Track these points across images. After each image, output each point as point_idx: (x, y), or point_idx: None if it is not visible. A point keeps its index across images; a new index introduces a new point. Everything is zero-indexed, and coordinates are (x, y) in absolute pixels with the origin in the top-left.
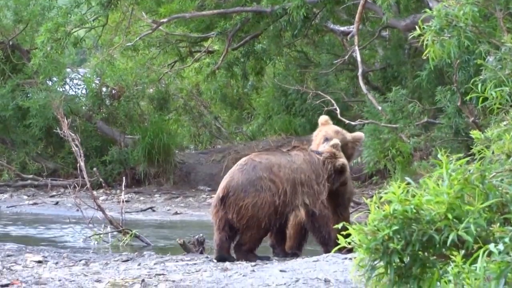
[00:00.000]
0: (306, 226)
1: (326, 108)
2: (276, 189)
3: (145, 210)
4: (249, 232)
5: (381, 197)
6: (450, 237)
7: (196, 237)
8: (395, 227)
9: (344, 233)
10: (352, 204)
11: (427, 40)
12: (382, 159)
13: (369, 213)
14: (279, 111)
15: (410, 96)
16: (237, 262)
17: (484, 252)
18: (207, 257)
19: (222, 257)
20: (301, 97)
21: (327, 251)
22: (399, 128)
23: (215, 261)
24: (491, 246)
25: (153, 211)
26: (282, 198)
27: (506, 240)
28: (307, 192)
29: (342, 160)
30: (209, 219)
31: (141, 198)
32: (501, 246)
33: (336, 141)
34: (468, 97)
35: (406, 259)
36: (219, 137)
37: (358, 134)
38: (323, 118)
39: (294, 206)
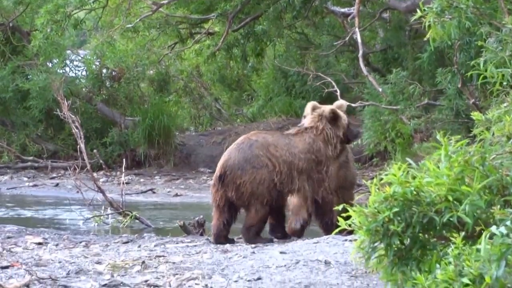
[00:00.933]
0: (309, 210)
1: (326, 90)
2: (272, 167)
3: (145, 192)
4: (253, 209)
5: (381, 179)
6: (447, 218)
7: (196, 218)
8: (395, 209)
9: (344, 215)
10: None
11: (428, 21)
12: (382, 140)
13: (370, 195)
14: (279, 93)
15: (411, 78)
16: (237, 244)
17: (486, 234)
18: (207, 239)
19: (220, 243)
20: (301, 79)
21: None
22: (400, 110)
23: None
24: (493, 228)
25: (153, 193)
26: (279, 177)
27: (508, 223)
28: (306, 180)
29: (328, 107)
30: (209, 200)
31: (141, 180)
32: (503, 229)
33: (317, 110)
34: (468, 74)
35: (406, 241)
36: (219, 119)
37: (339, 101)
38: (309, 106)
39: (291, 189)
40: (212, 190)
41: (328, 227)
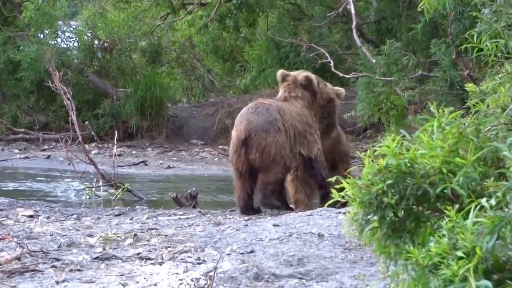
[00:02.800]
0: (304, 175)
1: (319, 61)
2: (285, 131)
3: (137, 164)
4: (275, 170)
5: (375, 151)
6: (440, 189)
7: (189, 191)
8: (389, 181)
9: (338, 186)
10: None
11: None
12: (376, 112)
13: (363, 167)
14: (272, 64)
15: (405, 49)
16: (231, 217)
17: (476, 206)
18: (199, 212)
19: (248, 214)
20: (294, 50)
21: (326, 194)
22: (394, 81)
23: (239, 216)
24: (483, 201)
25: (146, 165)
26: (290, 141)
27: (499, 194)
28: (302, 142)
29: (301, 73)
30: (202, 172)
31: (133, 152)
32: (493, 201)
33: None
34: (463, 47)
35: (400, 214)
36: (212, 90)
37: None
38: (279, 75)
39: (293, 154)
40: (233, 157)
41: (325, 183)
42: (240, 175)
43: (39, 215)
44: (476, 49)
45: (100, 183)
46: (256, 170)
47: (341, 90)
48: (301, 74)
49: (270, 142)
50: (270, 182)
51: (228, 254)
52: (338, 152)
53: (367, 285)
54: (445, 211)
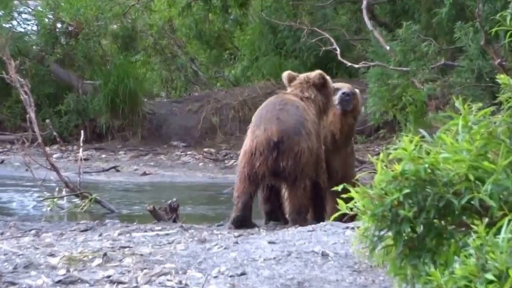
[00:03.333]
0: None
1: (323, 48)
2: (317, 134)
3: (107, 170)
4: (301, 185)
5: (389, 154)
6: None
7: (169, 202)
8: (406, 191)
9: (345, 196)
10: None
11: None
12: (390, 109)
13: (375, 173)
14: (267, 52)
15: (424, 33)
16: (218, 233)
17: (509, 221)
18: (181, 226)
19: (241, 225)
20: (293, 35)
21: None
22: (411, 72)
23: (228, 232)
24: None
25: (117, 171)
26: (319, 148)
27: None
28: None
29: (316, 72)
30: (184, 180)
31: (103, 155)
32: None
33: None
34: (493, 32)
35: (419, 229)
36: (196, 82)
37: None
38: (285, 77)
39: (321, 164)
40: (253, 161)
41: (321, 216)
42: (250, 179)
43: None
44: (508, 34)
45: (64, 193)
46: (269, 178)
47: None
48: (314, 72)
49: (303, 148)
50: (304, 204)
51: (215, 277)
52: (351, 167)
53: None
54: (472, 226)
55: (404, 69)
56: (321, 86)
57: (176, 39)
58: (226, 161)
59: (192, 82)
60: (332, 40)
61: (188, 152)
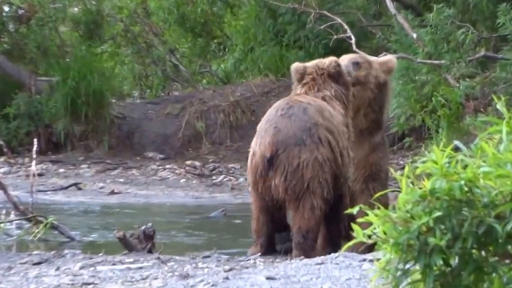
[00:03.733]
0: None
1: (335, 36)
2: (335, 142)
3: (66, 187)
4: (308, 205)
5: (416, 168)
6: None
7: (143, 228)
8: (437, 214)
9: (361, 220)
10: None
11: None
12: (418, 112)
13: (399, 192)
14: (265, 41)
15: (460, 18)
16: (204, 266)
17: None
18: (158, 258)
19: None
20: (298, 20)
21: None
22: (444, 66)
23: (258, 260)
24: None
25: (79, 189)
26: (339, 159)
27: None
28: (346, 164)
29: (329, 59)
30: (162, 200)
31: (61, 170)
32: None
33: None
34: None
35: (454, 261)
36: (177, 79)
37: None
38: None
39: (344, 180)
40: (256, 183)
41: (338, 240)
42: (264, 207)
43: None
44: None
45: (12, 216)
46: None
47: (388, 59)
48: (326, 60)
49: (306, 160)
50: (310, 227)
51: None
52: (377, 166)
53: None
54: None
55: (435, 62)
56: (338, 76)
57: (152, 25)
58: (214, 177)
59: (172, 78)
60: (346, 26)
61: (167, 166)
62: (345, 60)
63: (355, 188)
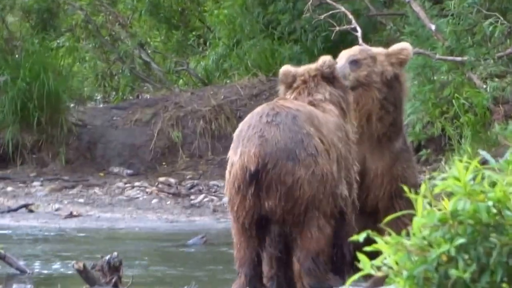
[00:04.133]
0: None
1: (337, 28)
2: (331, 153)
3: (15, 210)
4: (313, 227)
5: (434, 186)
6: None
7: (107, 258)
8: (460, 241)
9: (369, 249)
10: None
11: None
12: (437, 118)
13: (414, 215)
14: (252, 33)
15: (487, 6)
16: None
17: None
18: None
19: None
20: (292, 8)
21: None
22: (468, 63)
23: None
24: None
25: (31, 211)
26: (337, 171)
27: None
28: (346, 176)
29: (322, 58)
30: (130, 225)
31: (9, 188)
32: None
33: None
34: None
35: None
36: (148, 79)
37: (400, 45)
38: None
39: (345, 194)
40: (233, 201)
41: (343, 266)
42: (245, 229)
43: None
44: None
45: None
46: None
47: (399, 49)
48: (317, 62)
49: (300, 178)
50: (321, 249)
51: None
52: (402, 178)
53: None
54: None
55: (457, 59)
56: (333, 78)
57: (118, 15)
58: (192, 197)
59: (142, 78)
60: (350, 16)
61: (136, 183)
62: (342, 59)
63: (380, 206)
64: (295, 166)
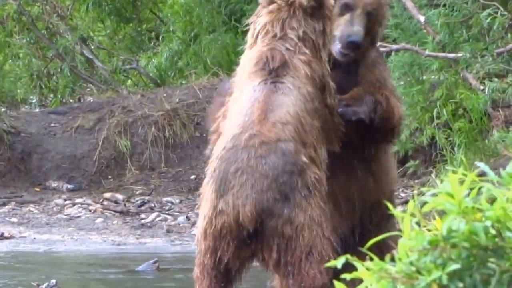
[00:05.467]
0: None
1: None
2: (317, 173)
3: None
4: (311, 271)
5: (424, 204)
6: None
7: (44, 286)
8: (454, 266)
9: (349, 277)
10: None
11: None
12: (427, 124)
13: (400, 236)
14: (213, 26)
15: None
16: None
17: None
18: None
19: None
20: None
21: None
22: (462, 61)
23: None
24: None
25: None
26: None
27: None
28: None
29: None
30: (70, 248)
31: None
32: None
33: None
34: None
35: None
36: (91, 79)
37: None
38: None
39: None
40: (217, 250)
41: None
42: (217, 276)
43: None
44: None
45: None
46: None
47: None
48: None
49: (299, 225)
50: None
51: None
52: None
53: None
54: None
55: (450, 55)
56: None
57: (56, 5)
58: (142, 216)
59: (84, 78)
60: None
61: (77, 200)
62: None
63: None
64: (290, 213)
